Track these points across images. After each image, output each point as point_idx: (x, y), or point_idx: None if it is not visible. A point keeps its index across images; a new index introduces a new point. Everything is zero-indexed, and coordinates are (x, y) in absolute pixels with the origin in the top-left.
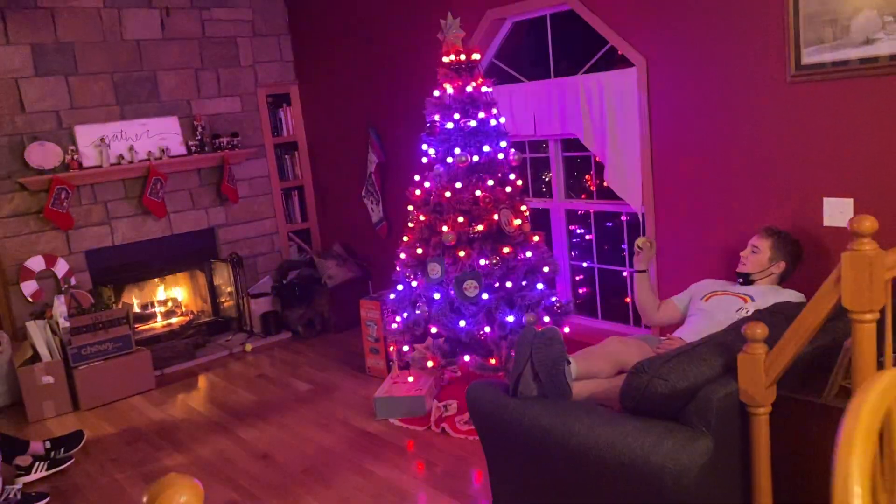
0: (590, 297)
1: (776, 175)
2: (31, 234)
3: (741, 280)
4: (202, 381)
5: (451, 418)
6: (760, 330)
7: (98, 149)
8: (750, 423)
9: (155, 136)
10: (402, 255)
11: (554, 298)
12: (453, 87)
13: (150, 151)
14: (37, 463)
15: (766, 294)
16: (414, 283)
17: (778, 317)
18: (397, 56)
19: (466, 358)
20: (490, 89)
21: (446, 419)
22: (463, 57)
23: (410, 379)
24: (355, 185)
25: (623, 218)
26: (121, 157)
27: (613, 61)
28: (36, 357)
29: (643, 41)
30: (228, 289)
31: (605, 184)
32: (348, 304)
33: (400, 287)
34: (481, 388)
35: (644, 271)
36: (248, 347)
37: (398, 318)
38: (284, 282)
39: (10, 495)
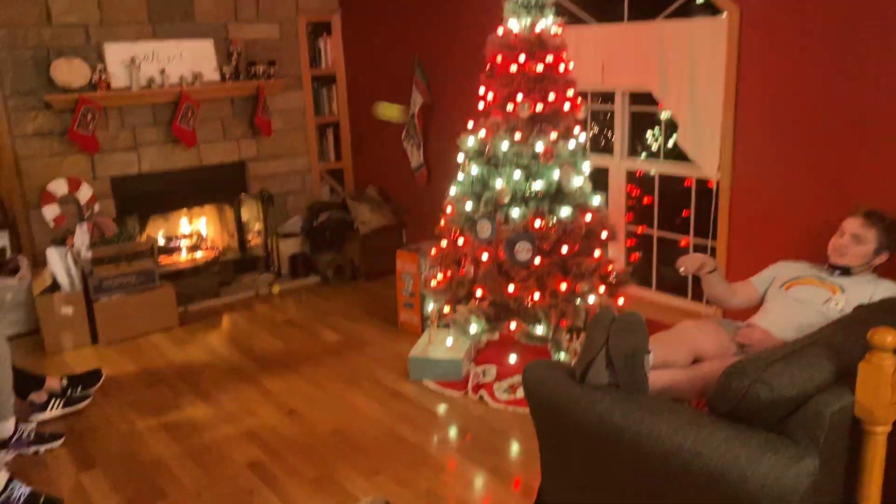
0: (643, 265)
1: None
2: (54, 155)
3: (839, 272)
4: (227, 321)
5: (490, 385)
6: (892, 338)
7: (128, 69)
8: (863, 442)
9: (188, 60)
10: (449, 209)
11: (611, 267)
12: (520, 26)
13: (182, 76)
14: (53, 400)
15: (860, 285)
16: (460, 241)
17: (891, 316)
18: None
19: (512, 325)
20: (560, 30)
21: (484, 385)
22: None
23: (449, 341)
24: (395, 127)
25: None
26: (151, 79)
27: (697, 8)
28: (55, 286)
29: None
30: (257, 226)
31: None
32: (381, 252)
33: (444, 243)
34: (542, 369)
35: (713, 270)
36: (276, 289)
37: (439, 276)
38: (315, 223)
39: (24, 434)
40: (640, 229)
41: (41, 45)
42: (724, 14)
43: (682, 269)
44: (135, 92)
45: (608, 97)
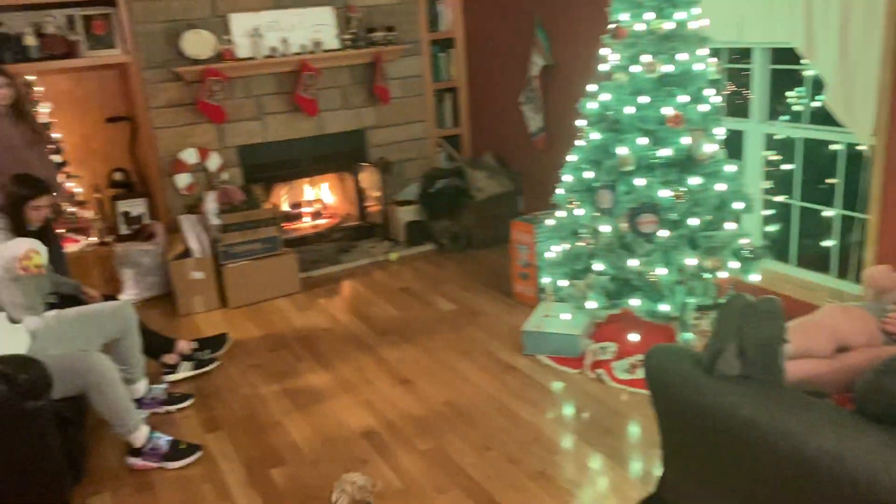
0: (782, 238)
1: None
2: (184, 125)
3: None
4: (346, 288)
5: (608, 363)
6: None
7: (252, 39)
8: None
9: (309, 28)
10: (567, 177)
11: (745, 240)
12: None
13: (302, 44)
14: (183, 363)
15: None
16: (579, 212)
17: None
18: None
19: (634, 302)
20: None
21: (603, 364)
22: None
23: (566, 316)
24: (514, 90)
25: (837, 148)
26: (274, 49)
27: None
28: (187, 252)
29: None
30: (375, 194)
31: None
32: (497, 219)
33: (561, 213)
34: (666, 354)
35: None
36: (393, 257)
37: (556, 248)
38: (431, 191)
39: (157, 395)
40: (779, 199)
41: (171, 18)
42: None
43: None
44: (258, 62)
45: (745, 54)
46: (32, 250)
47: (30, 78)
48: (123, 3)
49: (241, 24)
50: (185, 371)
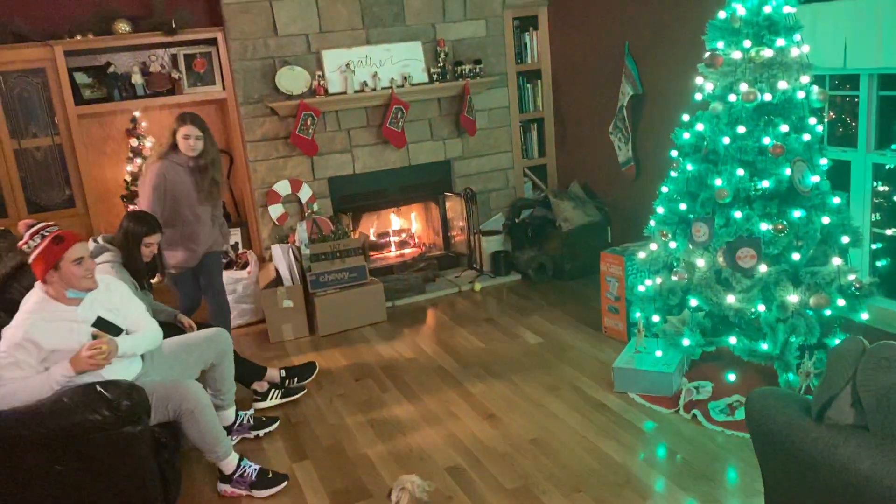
0: (892, 273)
1: None
2: (278, 158)
3: None
4: (431, 317)
5: (704, 403)
6: None
7: (343, 74)
8: None
9: (398, 63)
10: (660, 209)
11: (852, 277)
12: (746, 7)
13: (392, 78)
14: (272, 391)
15: None
16: (672, 245)
17: None
18: None
19: (732, 339)
20: (794, 9)
21: (697, 404)
22: None
23: (659, 353)
24: (602, 120)
25: None
26: (364, 83)
27: None
28: (279, 280)
29: None
30: (460, 223)
31: None
32: (584, 250)
33: (654, 246)
34: (771, 399)
35: None
36: (478, 287)
37: (648, 282)
38: (517, 220)
39: (244, 421)
40: (889, 232)
41: (268, 56)
42: None
43: None
44: (349, 96)
45: (851, 80)
46: (100, 342)
47: (136, 114)
48: (223, 42)
49: (333, 60)
50: (274, 399)
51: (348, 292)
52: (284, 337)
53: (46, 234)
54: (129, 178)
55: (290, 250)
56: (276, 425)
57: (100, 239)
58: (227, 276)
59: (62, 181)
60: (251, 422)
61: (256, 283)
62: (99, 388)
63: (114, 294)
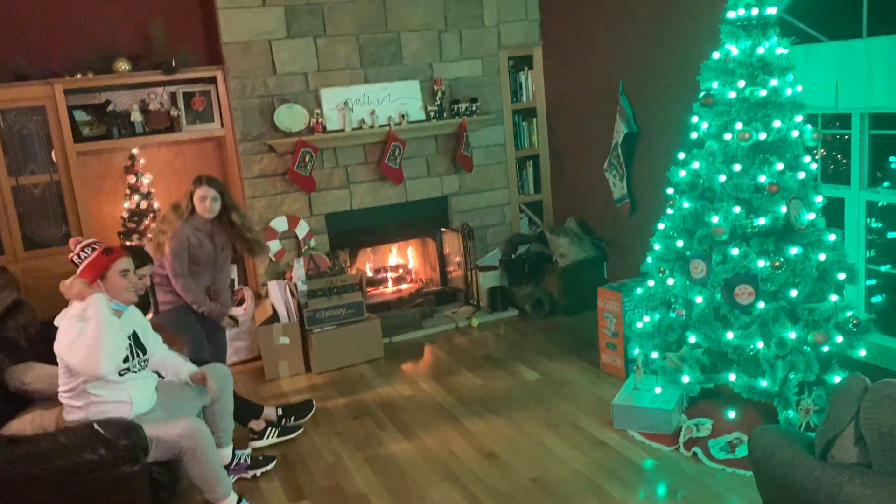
0: (888, 308)
1: None
2: (276, 194)
3: None
4: (428, 354)
5: (704, 441)
6: None
7: (341, 112)
8: None
9: (396, 101)
10: (657, 246)
11: (849, 313)
12: (739, 49)
13: (390, 116)
14: (269, 429)
15: None
16: (670, 281)
17: None
18: (661, 12)
19: (731, 376)
20: (787, 51)
21: (698, 441)
22: (755, 11)
23: (658, 390)
24: (597, 157)
25: None
26: (362, 121)
27: None
28: (275, 317)
29: None
30: (457, 259)
31: None
32: (580, 286)
33: (651, 283)
34: (773, 437)
35: None
36: (475, 322)
37: (646, 318)
38: (514, 256)
39: (241, 460)
40: (884, 268)
41: (267, 94)
42: None
43: None
44: (347, 134)
45: (843, 119)
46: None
47: (134, 151)
48: (222, 80)
49: (331, 98)
50: (271, 438)
51: (345, 329)
52: (281, 374)
53: (96, 247)
54: (126, 215)
55: (287, 287)
56: (273, 464)
57: None
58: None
59: (59, 218)
60: (248, 461)
61: (252, 319)
62: (96, 426)
63: (140, 317)
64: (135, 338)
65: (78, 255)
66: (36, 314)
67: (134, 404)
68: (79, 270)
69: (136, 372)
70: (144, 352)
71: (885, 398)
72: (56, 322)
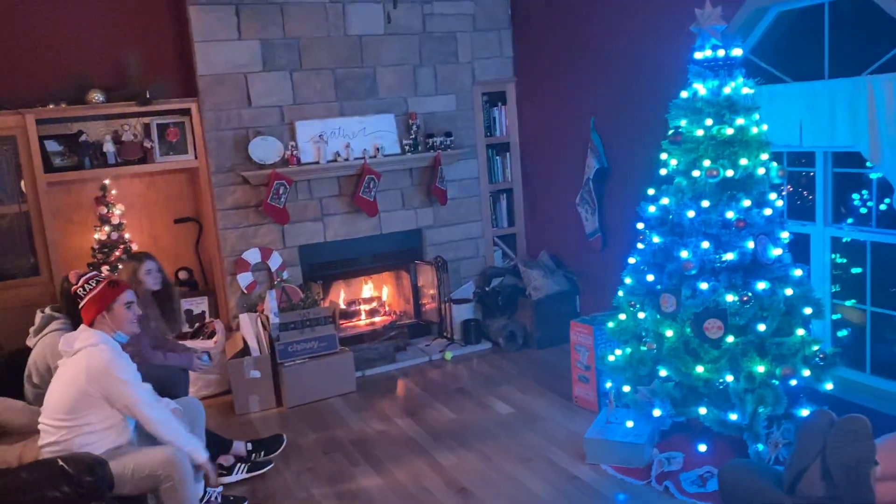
0: (854, 343)
1: None
2: (249, 226)
3: None
4: (401, 387)
5: (676, 475)
6: None
7: (316, 145)
8: None
9: (371, 134)
10: (628, 280)
11: (816, 347)
12: (707, 88)
13: (365, 149)
14: (238, 465)
15: None
16: (641, 315)
17: None
18: (631, 51)
19: (702, 410)
20: (752, 91)
21: (669, 475)
22: (721, 53)
23: (629, 423)
24: (569, 192)
25: None
26: (337, 154)
27: None
28: (246, 350)
29: None
30: (431, 291)
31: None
32: (554, 319)
33: (622, 316)
34: (743, 471)
35: None
36: (449, 356)
37: (618, 352)
38: (487, 289)
39: (212, 498)
40: (849, 303)
41: (241, 126)
42: None
43: None
44: (322, 166)
45: (805, 157)
46: None
47: (106, 182)
48: (197, 112)
49: (306, 130)
50: (240, 473)
51: (317, 362)
52: (251, 409)
53: (101, 279)
54: (96, 246)
55: (259, 319)
56: None
57: (47, 310)
58: (194, 345)
59: (27, 249)
60: (219, 499)
61: (223, 353)
62: (60, 462)
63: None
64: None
65: (82, 287)
66: (2, 346)
67: (117, 431)
68: (82, 303)
69: None
70: None
71: (850, 433)
72: (65, 347)
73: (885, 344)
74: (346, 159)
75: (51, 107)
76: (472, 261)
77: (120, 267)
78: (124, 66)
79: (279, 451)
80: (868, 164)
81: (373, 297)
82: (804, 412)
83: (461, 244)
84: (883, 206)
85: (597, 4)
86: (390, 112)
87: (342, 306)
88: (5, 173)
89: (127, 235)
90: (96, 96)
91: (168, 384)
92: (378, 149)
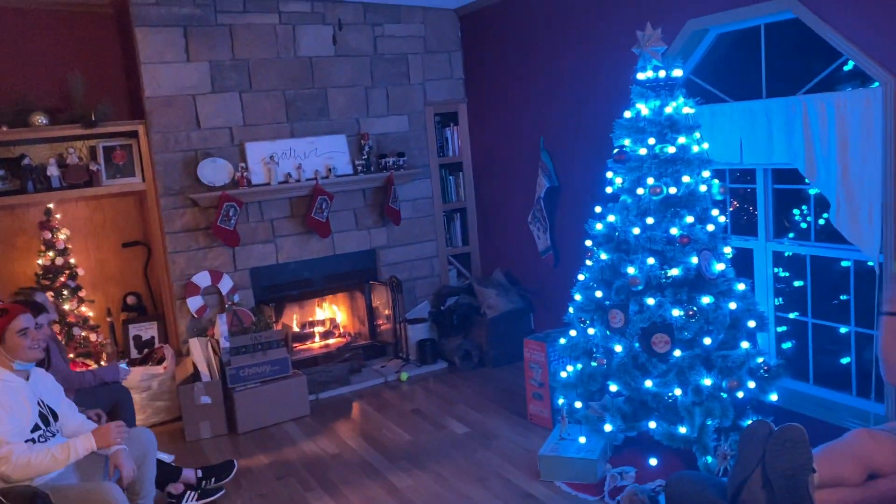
0: (797, 354)
1: None
2: (199, 249)
3: None
4: (356, 410)
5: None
6: None
7: (267, 166)
8: None
9: (323, 155)
10: (578, 297)
11: (760, 359)
12: (649, 108)
13: (317, 170)
14: (188, 493)
15: None
16: (591, 331)
17: None
18: (578, 72)
19: (652, 424)
20: (693, 110)
21: (622, 490)
22: (662, 73)
23: (582, 439)
24: (521, 210)
25: (846, 264)
26: (288, 175)
27: (840, 78)
28: (197, 375)
29: (891, 55)
30: (386, 312)
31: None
32: (508, 337)
33: (573, 333)
34: (688, 484)
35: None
36: (404, 377)
37: (569, 368)
38: (442, 308)
39: None
40: (792, 315)
41: (190, 148)
42: (877, 84)
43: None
44: (273, 187)
45: (749, 174)
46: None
47: (50, 206)
48: (144, 134)
49: (256, 152)
50: (190, 501)
51: (270, 386)
52: (202, 435)
53: None
54: (40, 272)
55: (209, 344)
56: None
57: None
58: (142, 371)
59: None
60: None
61: (173, 378)
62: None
63: (51, 381)
64: (43, 405)
65: None
66: None
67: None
68: None
69: (43, 441)
70: (56, 418)
71: (788, 441)
72: None
73: (827, 355)
74: (298, 180)
75: None
76: (427, 280)
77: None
78: (69, 88)
79: (230, 477)
80: (806, 180)
81: (327, 319)
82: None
83: (416, 264)
84: (821, 221)
85: (544, 27)
86: (342, 133)
87: (295, 329)
88: None
89: (72, 260)
90: (40, 119)
91: (120, 405)
92: (330, 169)
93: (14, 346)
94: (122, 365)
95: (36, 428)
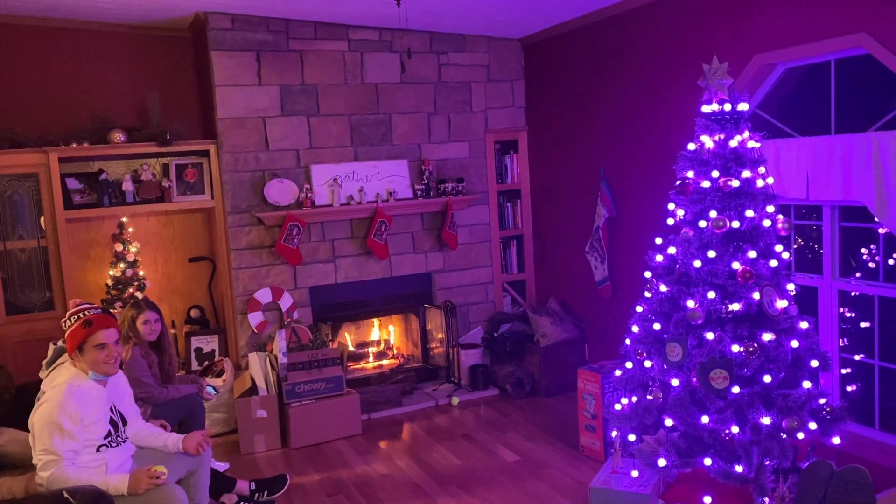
0: (862, 397)
1: None
2: (262, 266)
3: None
4: (406, 431)
5: None
6: None
7: (330, 188)
8: None
9: (384, 179)
10: (635, 329)
11: (823, 400)
12: (713, 141)
13: (378, 193)
14: (240, 503)
15: None
16: (647, 363)
17: None
18: (640, 103)
19: (707, 461)
20: (758, 144)
21: None
22: (728, 107)
23: (635, 473)
24: (578, 239)
25: None
26: (350, 197)
27: None
28: (254, 389)
29: None
30: (439, 335)
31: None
32: (562, 366)
33: (629, 365)
34: None
35: None
36: (455, 401)
37: (624, 400)
38: (496, 334)
39: None
40: (857, 357)
41: (258, 168)
42: None
43: None
44: (335, 209)
45: (815, 211)
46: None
47: (123, 219)
48: (215, 154)
49: (321, 174)
50: None
51: (324, 403)
52: (256, 448)
53: (83, 315)
54: (110, 283)
55: (268, 359)
56: None
57: (59, 342)
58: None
59: (44, 284)
60: None
61: (231, 391)
62: (66, 494)
63: (124, 384)
64: (115, 410)
65: (67, 320)
66: (12, 379)
67: (110, 469)
68: (65, 337)
69: (114, 447)
70: (125, 422)
71: (851, 483)
72: (47, 382)
73: (894, 399)
74: (359, 203)
75: (73, 145)
76: (482, 306)
77: (118, 311)
78: (146, 108)
79: (282, 491)
80: (875, 219)
81: (381, 340)
82: None
83: (471, 289)
84: (891, 261)
85: (607, 57)
86: (404, 158)
87: (351, 348)
88: (26, 209)
89: (141, 273)
90: (118, 136)
91: (193, 416)
92: (390, 193)
93: (91, 358)
94: (209, 389)
95: (108, 435)
